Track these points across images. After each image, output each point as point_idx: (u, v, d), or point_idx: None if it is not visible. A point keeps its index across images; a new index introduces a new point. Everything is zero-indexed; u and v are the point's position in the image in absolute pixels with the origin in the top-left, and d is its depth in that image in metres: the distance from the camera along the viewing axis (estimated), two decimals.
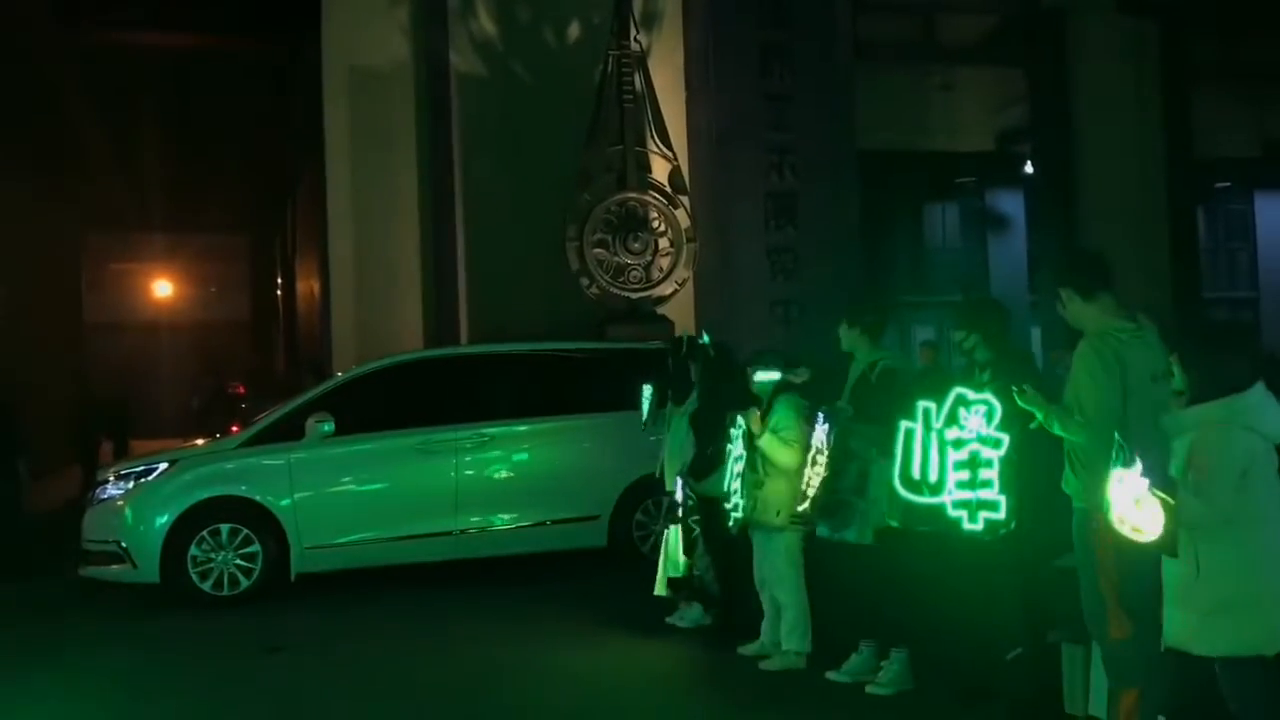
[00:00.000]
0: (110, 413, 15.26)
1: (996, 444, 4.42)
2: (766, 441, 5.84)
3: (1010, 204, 18.09)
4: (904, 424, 4.61)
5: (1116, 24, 14.58)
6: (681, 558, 6.88)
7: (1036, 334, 14.48)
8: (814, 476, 5.58)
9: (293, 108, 15.77)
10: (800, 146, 12.73)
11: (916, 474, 4.57)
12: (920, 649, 5.46)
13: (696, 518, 6.83)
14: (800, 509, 5.67)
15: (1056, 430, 4.20)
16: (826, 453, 5.50)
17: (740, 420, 6.05)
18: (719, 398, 6.50)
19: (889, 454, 4.78)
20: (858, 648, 5.67)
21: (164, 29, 12.99)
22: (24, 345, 15.97)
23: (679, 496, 6.91)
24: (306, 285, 17.77)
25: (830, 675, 5.65)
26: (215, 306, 28.66)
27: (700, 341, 7.08)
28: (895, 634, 5.50)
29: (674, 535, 6.92)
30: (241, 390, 16.52)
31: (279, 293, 22.91)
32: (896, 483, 4.66)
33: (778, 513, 5.85)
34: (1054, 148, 14.99)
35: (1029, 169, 16.37)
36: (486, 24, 12.70)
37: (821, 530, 5.66)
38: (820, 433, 5.55)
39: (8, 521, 9.66)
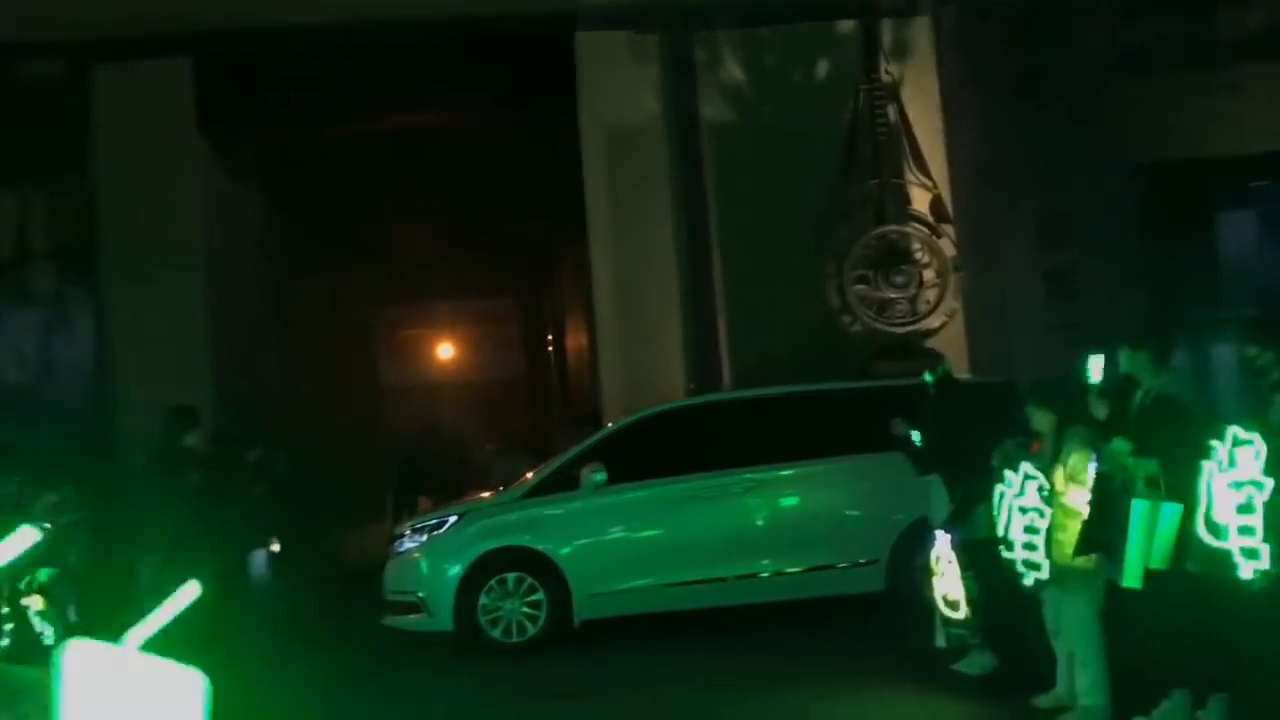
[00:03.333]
0: (430, 468, 16.15)
1: (1259, 486, 4.03)
2: (1071, 499, 5.44)
3: None
4: (1206, 466, 4.26)
5: None
6: (960, 609, 6.57)
7: None
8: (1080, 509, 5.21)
9: (555, 172, 16.46)
10: (1069, 164, 12.13)
11: (1215, 517, 4.22)
12: (1241, 696, 4.95)
13: (969, 572, 6.51)
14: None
15: None
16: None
17: (1020, 461, 5.72)
18: (956, 437, 6.22)
19: (1159, 493, 4.44)
20: (1168, 694, 5.19)
21: (436, 111, 13.86)
22: (330, 408, 17.37)
23: (941, 549, 6.63)
24: (575, 340, 18.42)
25: None
26: (494, 365, 30.21)
27: (924, 380, 6.81)
28: (1215, 679, 5.00)
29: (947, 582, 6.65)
30: (493, 447, 17.17)
31: (550, 349, 23.85)
32: (1200, 527, 4.30)
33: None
34: None
35: None
36: (734, 71, 12.85)
37: None
38: (1092, 469, 5.20)
39: None
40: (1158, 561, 4.80)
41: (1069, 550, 5.47)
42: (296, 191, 16.53)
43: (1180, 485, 4.71)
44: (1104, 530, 5.13)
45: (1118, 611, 5.32)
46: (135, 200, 12.31)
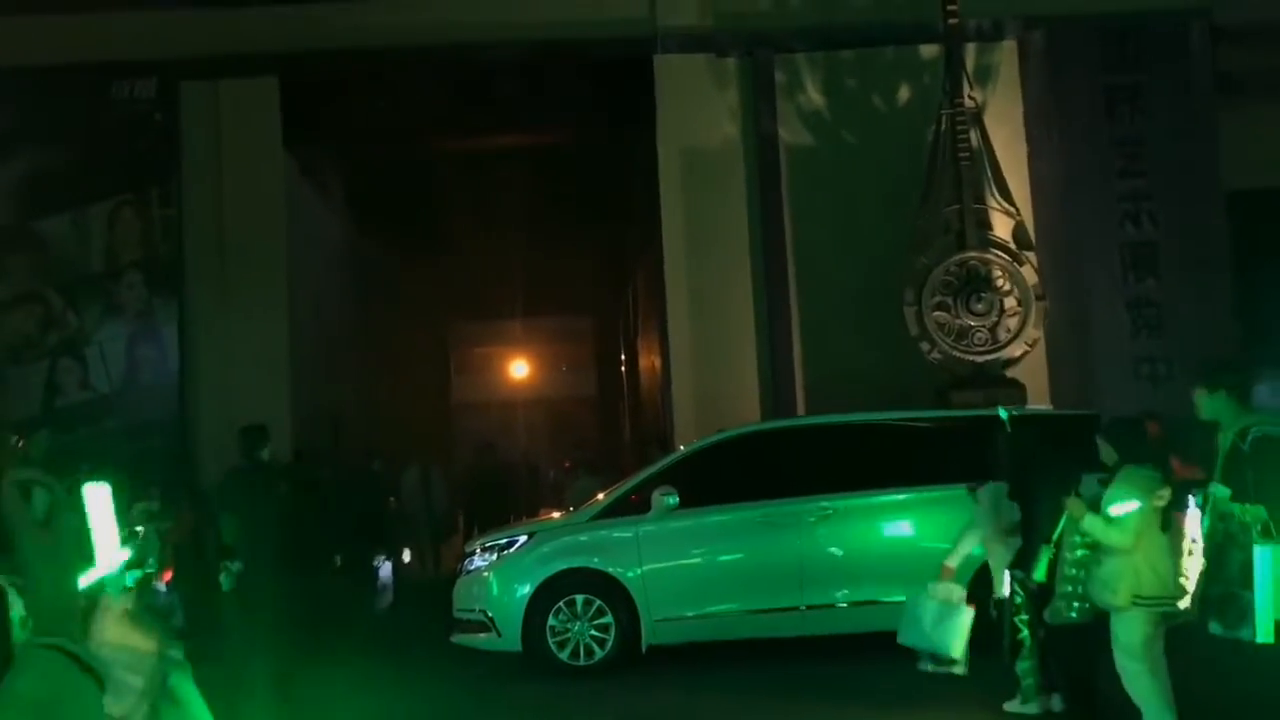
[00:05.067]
0: (502, 481, 16.29)
1: None
2: (1089, 523, 5.35)
3: None
4: None
5: None
6: (1020, 650, 6.44)
7: None
8: (1190, 568, 5.02)
9: (632, 194, 16.49)
10: (1157, 192, 11.87)
11: None
12: None
13: (1023, 616, 6.37)
14: (1177, 602, 5.10)
15: None
16: (1202, 541, 4.93)
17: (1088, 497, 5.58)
18: (1033, 473, 6.09)
19: (1275, 540, 4.22)
20: None
21: (516, 132, 13.99)
22: (404, 423, 17.55)
23: (1005, 591, 6.49)
24: (648, 361, 18.40)
25: None
26: (565, 384, 30.37)
27: (999, 416, 6.67)
28: None
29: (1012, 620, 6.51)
30: (567, 465, 17.20)
31: (623, 370, 23.89)
32: None
33: (1115, 593, 5.31)
34: None
35: None
36: (814, 95, 12.78)
37: (1214, 628, 5.03)
38: (1193, 519, 4.99)
39: None
40: None
41: (1098, 585, 5.37)
42: (377, 208, 16.79)
43: None
44: (1217, 585, 4.91)
45: (1235, 668, 5.08)
46: (221, 215, 12.59)
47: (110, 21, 12.26)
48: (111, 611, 1.59)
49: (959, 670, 6.81)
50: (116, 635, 1.52)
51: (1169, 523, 5.24)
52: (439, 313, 23.83)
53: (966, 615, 6.85)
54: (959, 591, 7.02)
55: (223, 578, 7.20)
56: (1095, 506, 5.48)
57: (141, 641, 1.54)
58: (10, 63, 11.91)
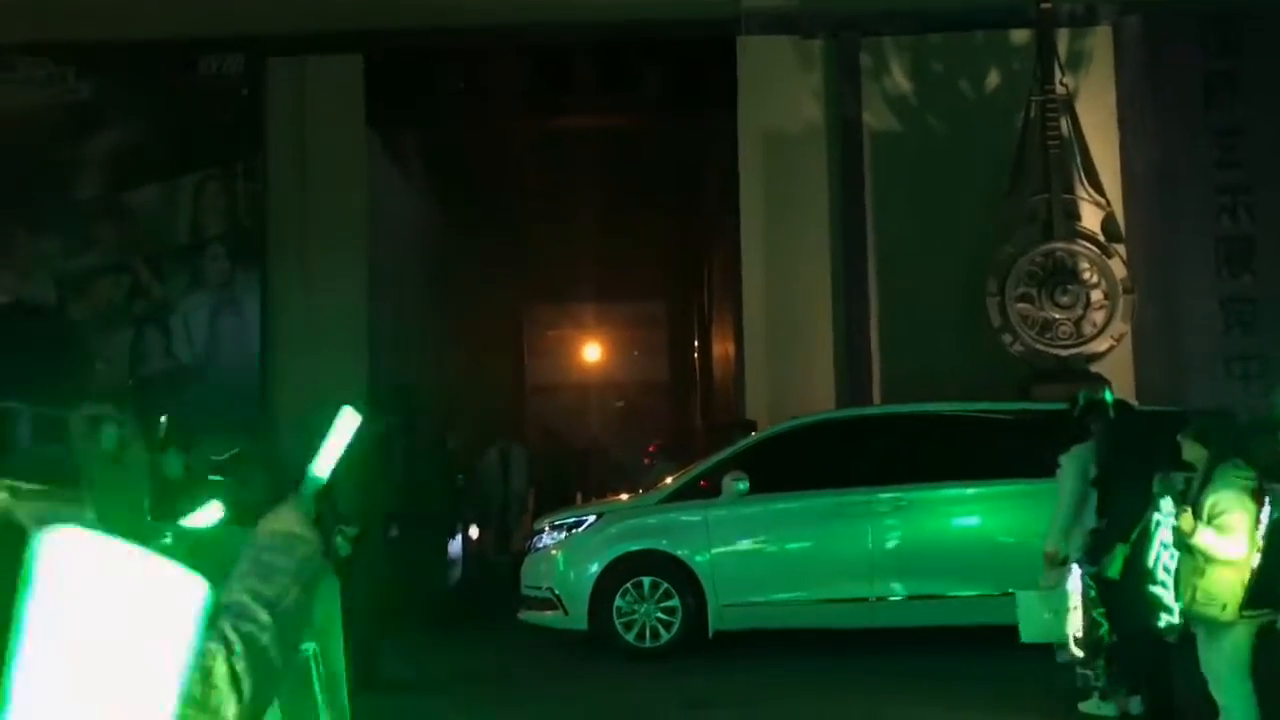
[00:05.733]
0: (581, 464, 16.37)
1: None
2: (1201, 540, 5.03)
3: None
4: None
5: None
6: (1087, 649, 6.22)
7: None
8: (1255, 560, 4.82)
9: (709, 177, 16.37)
10: (1256, 185, 11.44)
11: None
12: None
13: (1100, 609, 6.15)
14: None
15: None
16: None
17: (1168, 494, 5.36)
18: (1121, 466, 5.86)
19: None
20: None
21: (596, 113, 13.95)
22: (477, 407, 17.66)
23: (1073, 584, 6.27)
24: (722, 347, 18.28)
25: None
26: (637, 369, 30.33)
27: (1102, 399, 6.42)
28: None
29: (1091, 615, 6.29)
30: (652, 449, 17.18)
31: (695, 355, 23.79)
32: None
33: (1224, 606, 5.03)
34: None
35: None
36: (900, 79, 12.54)
37: None
38: (1265, 514, 4.79)
39: None
40: None
41: (1203, 598, 5.08)
42: (457, 187, 16.87)
43: None
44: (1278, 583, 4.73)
45: None
46: (304, 190, 12.74)
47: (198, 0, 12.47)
48: (290, 507, 1.64)
49: (1078, 655, 6.48)
50: (284, 524, 1.58)
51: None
52: (515, 294, 23.93)
53: (1073, 597, 6.56)
54: (1067, 574, 6.74)
55: (339, 541, 7.23)
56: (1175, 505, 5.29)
57: (303, 531, 1.60)
58: (100, 37, 12.18)
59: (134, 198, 12.70)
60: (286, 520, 1.61)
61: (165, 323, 12.56)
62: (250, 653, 1.32)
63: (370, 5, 12.62)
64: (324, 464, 1.74)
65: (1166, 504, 5.46)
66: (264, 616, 1.39)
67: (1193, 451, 5.38)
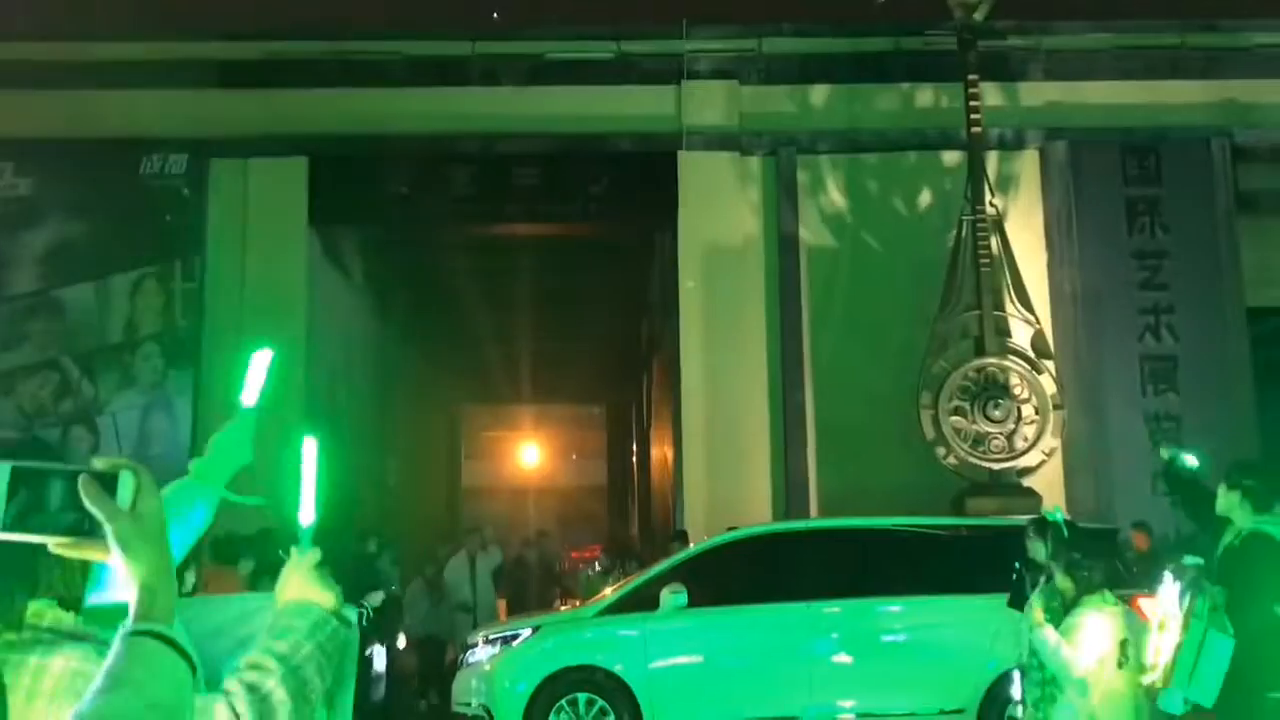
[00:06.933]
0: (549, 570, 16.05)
1: None
2: (1036, 636, 4.71)
3: None
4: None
5: None
6: None
7: None
8: (1163, 643, 4.75)
9: (647, 285, 16.56)
10: (1178, 305, 11.85)
11: None
12: None
13: None
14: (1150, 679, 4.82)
15: None
16: (1180, 617, 4.72)
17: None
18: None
19: (1219, 619, 4.13)
20: None
21: (537, 221, 14.10)
22: (412, 506, 17.40)
23: (1015, 694, 6.26)
24: (660, 453, 18.27)
25: None
26: (575, 472, 30.17)
27: (1051, 519, 6.47)
28: None
29: None
30: (588, 554, 17.03)
31: (634, 460, 23.74)
32: None
33: None
34: None
35: None
36: (836, 197, 12.87)
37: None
38: (1170, 593, 4.77)
39: None
40: (1199, 695, 4.41)
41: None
42: (395, 290, 16.88)
43: (1245, 624, 4.42)
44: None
45: None
46: (242, 288, 12.63)
47: (144, 98, 12.47)
48: (299, 566, 1.76)
49: None
50: (295, 590, 1.72)
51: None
52: (452, 396, 23.81)
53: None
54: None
55: (355, 608, 7.00)
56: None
57: (315, 595, 1.72)
58: (43, 135, 12.11)
59: (67, 295, 12.51)
60: (295, 587, 1.78)
61: (93, 422, 12.28)
62: (254, 698, 1.56)
63: (314, 110, 12.74)
64: (307, 508, 1.87)
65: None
66: (270, 664, 1.62)
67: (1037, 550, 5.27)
